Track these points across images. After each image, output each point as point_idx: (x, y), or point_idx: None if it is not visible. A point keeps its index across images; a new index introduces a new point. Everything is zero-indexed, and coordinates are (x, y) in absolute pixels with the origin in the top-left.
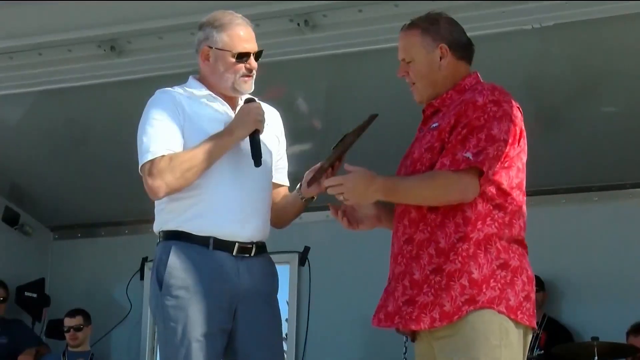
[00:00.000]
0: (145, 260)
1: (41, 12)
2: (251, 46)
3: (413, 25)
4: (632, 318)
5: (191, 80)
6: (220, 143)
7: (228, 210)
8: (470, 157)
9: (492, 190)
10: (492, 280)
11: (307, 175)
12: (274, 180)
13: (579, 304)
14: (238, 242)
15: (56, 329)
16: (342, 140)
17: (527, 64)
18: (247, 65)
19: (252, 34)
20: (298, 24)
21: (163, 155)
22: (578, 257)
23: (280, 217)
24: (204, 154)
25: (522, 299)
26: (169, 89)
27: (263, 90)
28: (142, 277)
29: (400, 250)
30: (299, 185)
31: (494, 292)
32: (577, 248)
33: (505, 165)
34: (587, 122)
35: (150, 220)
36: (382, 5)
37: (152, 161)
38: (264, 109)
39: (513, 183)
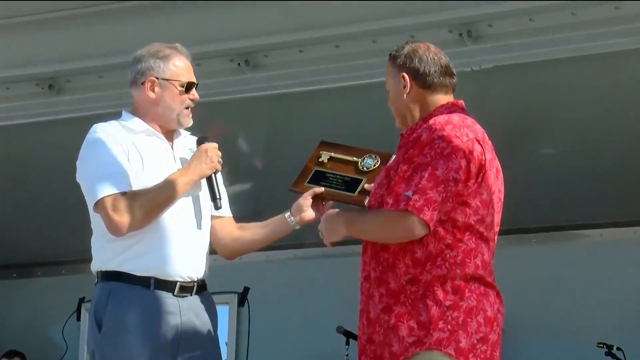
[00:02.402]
0: (82, 300)
1: None
2: (194, 77)
3: (389, 56)
4: (582, 358)
5: (125, 114)
6: (183, 183)
7: (169, 249)
8: (411, 197)
9: (445, 228)
10: (441, 322)
11: (303, 202)
12: (215, 213)
13: (518, 346)
14: (179, 281)
15: None
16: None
17: (467, 105)
18: (191, 97)
19: (190, 65)
20: (239, 64)
21: (125, 192)
22: (516, 299)
23: (243, 248)
24: (169, 193)
25: (475, 341)
26: (106, 123)
27: (204, 129)
28: (78, 318)
29: (361, 287)
30: (288, 212)
31: (443, 333)
32: (515, 290)
33: (461, 201)
34: (526, 163)
35: (88, 259)
36: (323, 46)
37: (113, 197)
38: (192, 145)
39: (471, 220)
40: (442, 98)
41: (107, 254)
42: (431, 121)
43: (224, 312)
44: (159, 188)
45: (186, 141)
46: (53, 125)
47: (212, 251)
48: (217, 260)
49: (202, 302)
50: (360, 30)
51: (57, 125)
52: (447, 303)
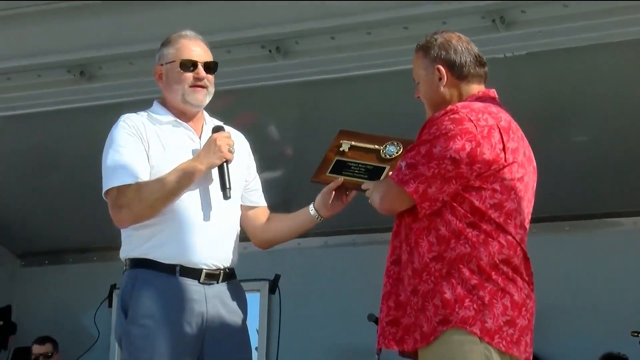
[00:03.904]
0: (113, 287)
1: (10, 36)
2: (198, 55)
3: (418, 46)
4: (603, 348)
5: (155, 105)
6: (189, 173)
7: (194, 237)
8: (403, 168)
9: (465, 208)
10: (467, 300)
11: (326, 194)
12: (248, 203)
13: (551, 334)
14: (204, 269)
15: (22, 357)
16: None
17: (498, 92)
18: (195, 75)
19: (202, 46)
20: (270, 51)
21: (130, 184)
22: (549, 287)
23: (273, 238)
24: (173, 185)
25: (502, 323)
26: (134, 114)
27: (234, 117)
28: (110, 305)
29: (387, 271)
30: (311, 205)
31: (469, 312)
32: (547, 278)
33: (472, 185)
34: (559, 150)
35: (119, 246)
36: (355, 33)
37: (118, 188)
38: (232, 137)
39: (487, 204)
40: (475, 88)
41: (133, 241)
42: (451, 105)
43: (255, 300)
44: (165, 179)
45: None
46: (84, 113)
47: (242, 238)
48: (247, 248)
49: (229, 290)
50: (392, 17)
51: (88, 112)
52: (473, 282)
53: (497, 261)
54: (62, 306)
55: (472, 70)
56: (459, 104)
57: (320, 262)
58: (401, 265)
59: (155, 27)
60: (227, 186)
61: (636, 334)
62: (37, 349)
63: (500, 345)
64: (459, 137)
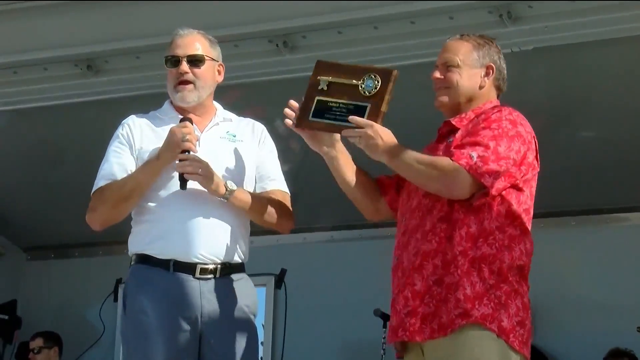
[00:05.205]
0: (119, 281)
1: (17, 30)
2: (181, 50)
3: (466, 37)
4: (609, 344)
5: (165, 103)
6: (147, 169)
7: (187, 231)
8: (475, 158)
9: (500, 209)
10: (485, 298)
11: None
12: (259, 190)
13: (557, 329)
14: (199, 263)
15: (27, 351)
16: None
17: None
18: (178, 70)
19: (190, 41)
20: (277, 45)
21: (101, 187)
22: (555, 282)
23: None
24: (132, 183)
25: (515, 323)
26: (136, 116)
27: (243, 111)
28: (115, 299)
29: (401, 264)
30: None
31: (488, 309)
32: (554, 273)
33: (515, 185)
34: (566, 145)
35: (124, 241)
36: (362, 27)
37: (93, 193)
38: (190, 127)
39: (521, 208)
40: (494, 99)
41: (134, 237)
42: (497, 108)
43: (261, 294)
44: (126, 177)
45: (225, 124)
46: (90, 107)
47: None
48: (253, 243)
49: (230, 284)
50: (399, 12)
51: (94, 107)
52: (491, 282)
53: (516, 265)
54: (68, 300)
55: (503, 86)
56: (508, 107)
57: (326, 257)
58: (421, 255)
59: (162, 21)
60: (182, 178)
61: None
62: (30, 345)
63: (515, 344)
64: (516, 139)
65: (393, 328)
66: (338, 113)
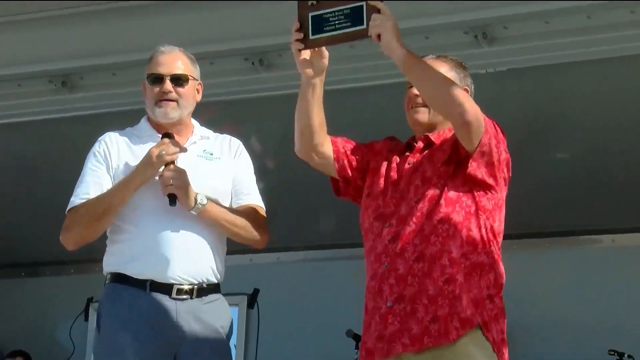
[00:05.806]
0: (90, 300)
1: None
2: (165, 68)
3: (444, 57)
4: None
5: (142, 120)
6: (122, 188)
7: (164, 252)
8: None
9: (488, 224)
10: (488, 304)
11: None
12: (234, 205)
13: (529, 350)
14: (175, 284)
15: None
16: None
17: (481, 108)
18: (161, 89)
19: (172, 59)
20: (253, 63)
21: (76, 206)
22: (527, 304)
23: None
24: (107, 201)
25: (501, 340)
26: (112, 133)
27: (219, 128)
28: (86, 318)
29: (411, 269)
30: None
31: (488, 317)
32: (526, 294)
33: (499, 205)
34: (539, 166)
35: (97, 259)
36: (337, 47)
37: (68, 212)
38: (170, 145)
39: (499, 228)
40: None
41: (109, 257)
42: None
43: (234, 314)
44: (98, 198)
45: (202, 142)
46: (64, 123)
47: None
48: (226, 261)
49: (206, 305)
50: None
51: (69, 123)
52: (491, 292)
53: (500, 283)
54: (38, 319)
55: None
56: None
57: (299, 277)
58: (426, 260)
59: (138, 38)
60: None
61: (613, 353)
62: None
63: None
64: (504, 145)
65: (414, 336)
66: (336, 21)
